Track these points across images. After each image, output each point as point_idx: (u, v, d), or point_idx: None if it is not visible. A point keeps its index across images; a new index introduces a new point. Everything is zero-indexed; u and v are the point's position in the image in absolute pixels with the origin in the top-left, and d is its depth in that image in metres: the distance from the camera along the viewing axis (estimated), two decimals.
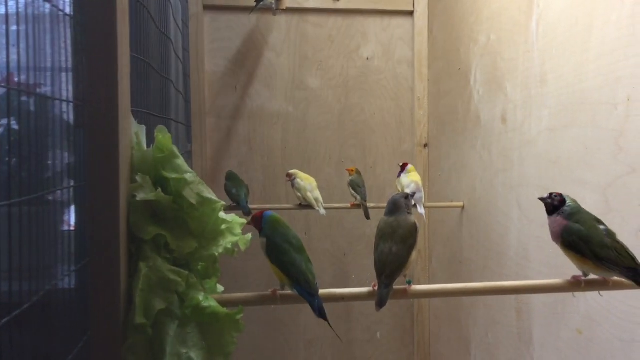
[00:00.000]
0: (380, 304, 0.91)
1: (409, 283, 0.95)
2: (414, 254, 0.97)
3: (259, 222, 0.96)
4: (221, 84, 2.24)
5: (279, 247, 0.92)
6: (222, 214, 0.93)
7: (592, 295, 1.17)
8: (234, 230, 0.95)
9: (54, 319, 0.81)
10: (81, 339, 0.89)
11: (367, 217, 1.90)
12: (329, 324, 0.90)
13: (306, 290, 0.89)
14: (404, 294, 0.95)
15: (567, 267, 1.25)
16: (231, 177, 1.89)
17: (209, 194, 0.90)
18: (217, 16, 2.21)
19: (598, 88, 1.16)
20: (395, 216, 1.00)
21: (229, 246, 0.93)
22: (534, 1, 1.41)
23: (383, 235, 0.98)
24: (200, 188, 0.90)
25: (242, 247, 0.95)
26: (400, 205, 1.01)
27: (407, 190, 1.78)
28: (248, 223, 0.98)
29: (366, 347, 2.36)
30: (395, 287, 0.94)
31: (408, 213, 1.01)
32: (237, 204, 1.79)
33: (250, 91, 2.26)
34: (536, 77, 1.41)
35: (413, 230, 0.97)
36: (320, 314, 0.88)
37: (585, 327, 1.20)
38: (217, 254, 0.92)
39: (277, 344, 2.31)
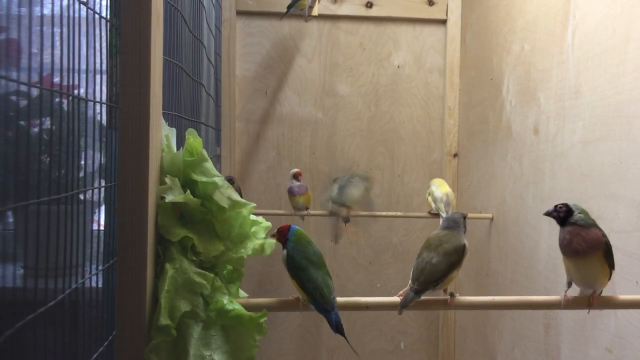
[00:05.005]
0: (402, 306, 0.91)
1: (452, 295, 0.95)
2: (455, 272, 0.97)
3: (284, 235, 0.97)
4: (251, 89, 2.25)
5: (297, 263, 0.93)
6: (251, 216, 0.93)
7: (622, 313, 1.14)
8: (258, 234, 0.95)
9: (81, 317, 0.82)
10: (107, 337, 0.90)
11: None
12: (346, 339, 0.89)
13: (321, 306, 0.89)
14: (445, 304, 0.95)
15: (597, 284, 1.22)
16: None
17: (237, 197, 0.91)
18: (249, 21, 2.23)
19: (634, 101, 1.13)
20: (448, 231, 1.01)
21: (257, 247, 0.94)
22: (570, 12, 1.39)
23: (429, 245, 0.99)
24: (229, 192, 0.90)
25: (268, 251, 0.95)
26: (458, 222, 1.03)
27: (441, 204, 1.76)
28: (272, 235, 0.98)
29: (389, 357, 2.34)
30: (437, 297, 0.95)
31: (464, 232, 1.02)
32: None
33: (280, 96, 2.27)
34: (570, 89, 1.38)
35: (460, 249, 0.97)
36: (337, 329, 0.88)
37: (615, 345, 1.17)
38: (245, 256, 0.93)
39: (300, 351, 2.31)
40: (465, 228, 1.04)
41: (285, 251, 0.95)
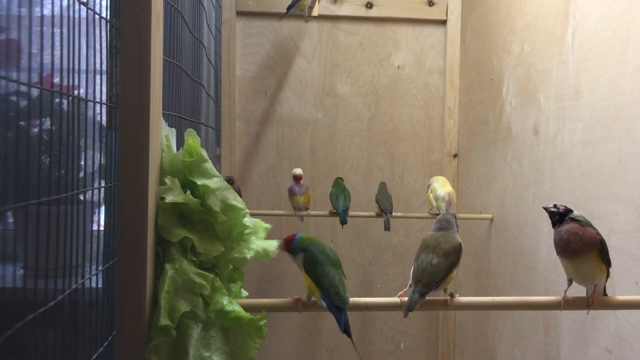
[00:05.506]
0: (409, 309, 0.91)
1: (452, 295, 0.96)
2: (455, 272, 0.97)
3: (288, 244, 0.97)
4: (251, 89, 2.25)
5: (315, 258, 0.93)
6: (245, 220, 0.93)
7: (622, 314, 1.14)
8: (258, 234, 0.95)
9: (81, 317, 0.82)
10: (107, 337, 0.90)
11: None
12: (352, 340, 0.89)
13: (334, 304, 0.89)
14: (445, 304, 0.95)
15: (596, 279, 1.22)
16: (336, 184, 1.89)
17: (234, 200, 0.90)
18: (249, 22, 2.23)
19: (634, 101, 1.13)
20: (442, 232, 1.02)
21: (260, 250, 0.93)
22: (570, 12, 1.39)
23: (426, 246, 0.99)
24: (225, 194, 0.90)
25: (271, 256, 0.94)
26: (451, 223, 1.04)
27: (443, 203, 1.76)
28: (280, 247, 0.97)
29: (389, 357, 2.34)
30: (437, 297, 0.95)
31: (457, 232, 1.04)
32: (336, 212, 1.82)
33: (280, 97, 2.27)
34: (570, 89, 1.38)
35: (457, 248, 0.99)
36: (345, 329, 0.88)
37: (615, 346, 1.17)
38: (248, 257, 0.92)
39: (300, 351, 2.31)
40: (458, 228, 1.06)
41: (300, 254, 0.95)
